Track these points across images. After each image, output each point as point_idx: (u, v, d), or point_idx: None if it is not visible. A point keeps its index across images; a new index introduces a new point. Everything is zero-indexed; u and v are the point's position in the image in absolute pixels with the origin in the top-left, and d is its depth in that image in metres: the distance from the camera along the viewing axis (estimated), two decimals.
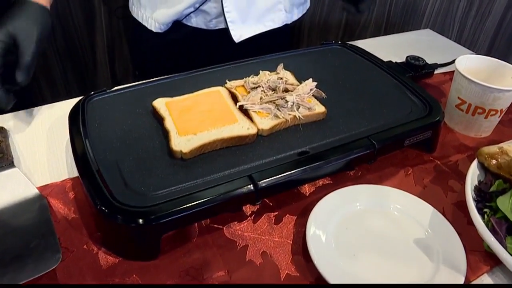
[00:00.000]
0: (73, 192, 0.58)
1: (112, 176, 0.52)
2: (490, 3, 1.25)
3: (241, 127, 0.58)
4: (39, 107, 0.75)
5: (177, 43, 0.93)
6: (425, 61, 0.82)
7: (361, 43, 1.03)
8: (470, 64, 0.74)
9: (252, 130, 0.58)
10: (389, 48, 1.00)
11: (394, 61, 0.83)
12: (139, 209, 0.47)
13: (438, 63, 0.90)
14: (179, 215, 0.47)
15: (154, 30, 0.90)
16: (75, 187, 0.58)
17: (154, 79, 0.70)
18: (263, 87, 0.66)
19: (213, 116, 0.60)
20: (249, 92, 0.65)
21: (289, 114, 0.61)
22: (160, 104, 0.62)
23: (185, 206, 0.47)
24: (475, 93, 0.68)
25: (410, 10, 1.41)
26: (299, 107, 0.62)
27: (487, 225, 0.50)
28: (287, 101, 0.62)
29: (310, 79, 0.67)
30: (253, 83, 0.67)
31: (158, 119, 0.61)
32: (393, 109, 0.66)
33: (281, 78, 0.68)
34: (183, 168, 0.53)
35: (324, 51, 0.83)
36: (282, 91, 0.65)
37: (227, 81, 0.68)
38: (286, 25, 0.94)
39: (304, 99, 0.64)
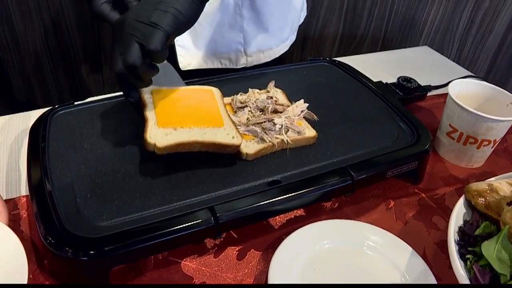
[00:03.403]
0: (25, 211, 0.54)
1: (64, 200, 0.48)
2: (492, 22, 1.20)
3: (226, 134, 0.53)
4: (10, 115, 0.71)
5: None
6: (418, 82, 0.77)
7: (354, 59, 0.99)
8: (465, 89, 0.70)
9: (237, 141, 0.52)
10: (383, 65, 0.96)
11: (385, 81, 0.78)
12: (83, 239, 0.43)
13: (434, 83, 0.85)
14: (125, 250, 0.43)
15: None
16: (29, 206, 0.54)
17: None
18: (250, 107, 0.61)
19: (199, 114, 0.55)
20: (235, 112, 0.61)
21: (277, 138, 0.56)
22: (146, 91, 0.56)
23: (132, 240, 0.43)
24: (467, 122, 0.64)
25: (408, 26, 1.36)
26: (288, 130, 0.58)
27: (469, 273, 0.46)
28: (275, 124, 0.58)
29: (302, 100, 0.63)
30: (241, 102, 0.62)
31: (140, 107, 0.55)
32: (378, 135, 0.62)
33: (270, 98, 0.63)
34: (142, 195, 0.49)
35: (311, 68, 0.78)
36: (271, 112, 0.61)
37: None
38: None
39: (293, 122, 0.59)
